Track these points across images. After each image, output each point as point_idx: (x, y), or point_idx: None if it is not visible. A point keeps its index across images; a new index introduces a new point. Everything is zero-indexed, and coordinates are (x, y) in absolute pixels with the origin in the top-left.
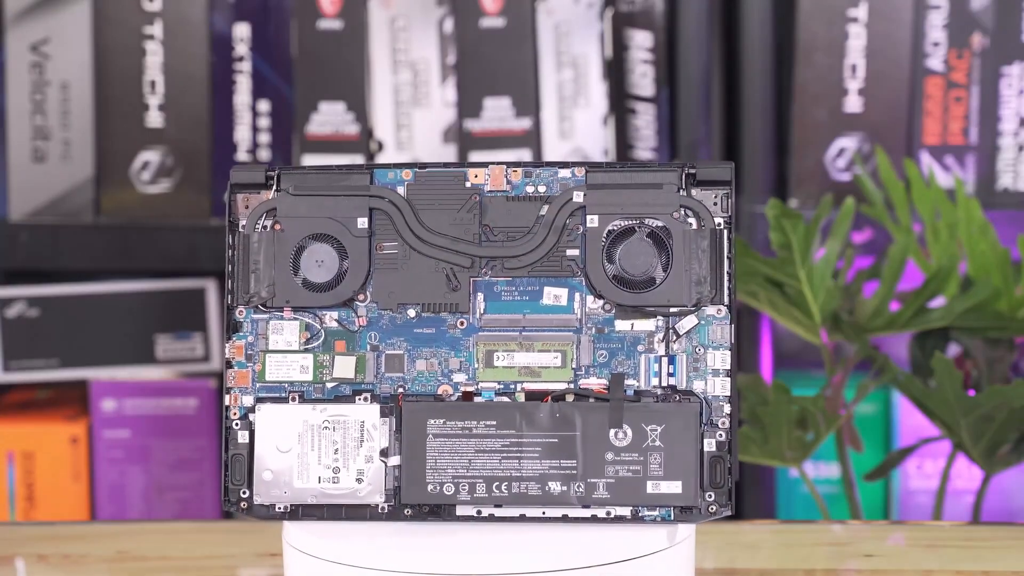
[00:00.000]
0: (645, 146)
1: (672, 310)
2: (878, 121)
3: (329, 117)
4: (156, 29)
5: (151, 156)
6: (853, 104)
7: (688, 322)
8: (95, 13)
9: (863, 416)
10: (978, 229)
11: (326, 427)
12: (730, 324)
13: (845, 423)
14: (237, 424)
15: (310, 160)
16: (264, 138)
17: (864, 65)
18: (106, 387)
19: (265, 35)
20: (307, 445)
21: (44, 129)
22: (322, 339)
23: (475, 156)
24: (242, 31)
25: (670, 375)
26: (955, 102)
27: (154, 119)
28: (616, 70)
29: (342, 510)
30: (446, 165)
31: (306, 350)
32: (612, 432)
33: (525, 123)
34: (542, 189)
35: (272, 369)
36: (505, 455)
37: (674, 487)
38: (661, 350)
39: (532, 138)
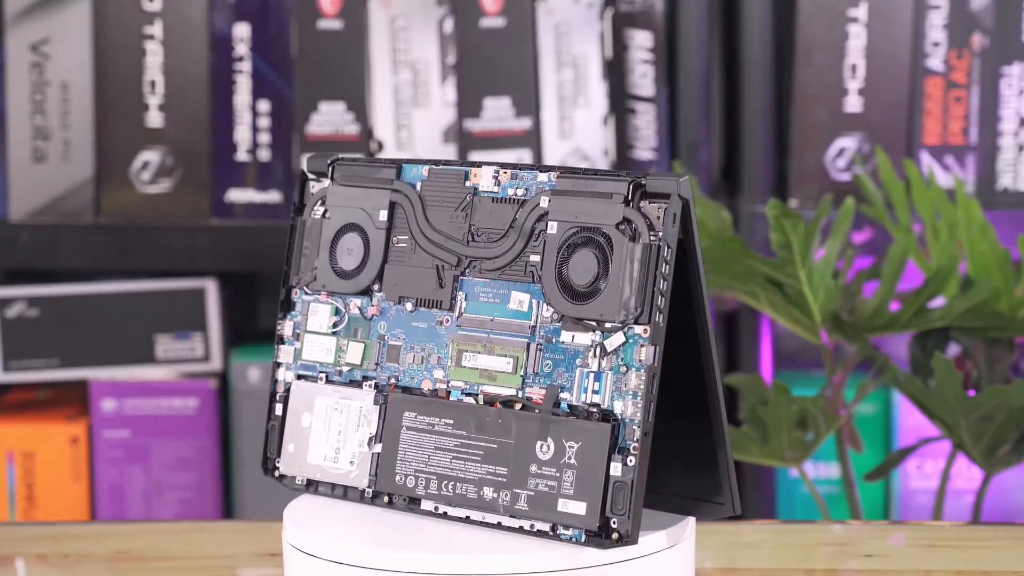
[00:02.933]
0: (645, 146)
1: (607, 325)
2: (878, 121)
3: (329, 117)
4: (156, 29)
5: (151, 156)
6: (853, 104)
7: (616, 339)
8: (95, 13)
9: (863, 416)
10: (978, 229)
11: (336, 409)
12: (653, 346)
13: (845, 423)
14: (279, 397)
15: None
16: (264, 138)
17: (864, 65)
18: (106, 387)
19: (265, 35)
20: (320, 424)
21: (44, 129)
22: (344, 324)
23: (475, 156)
24: (242, 31)
25: (595, 392)
26: (955, 102)
27: (154, 119)
28: (616, 70)
29: (343, 490)
30: (462, 163)
31: (333, 333)
32: (539, 444)
33: (525, 123)
34: (520, 192)
35: (308, 349)
36: (456, 455)
37: (579, 508)
38: (594, 365)
39: (532, 138)
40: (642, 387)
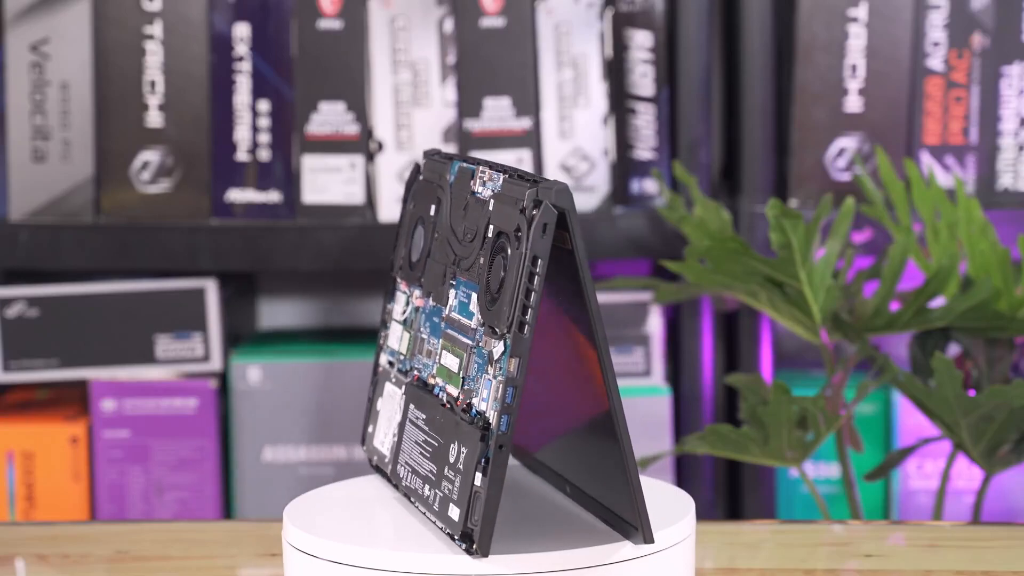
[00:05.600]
0: (645, 146)
1: (496, 332)
2: (878, 121)
3: (329, 117)
4: (156, 29)
5: (151, 156)
6: (853, 104)
7: (499, 348)
8: (95, 13)
9: (863, 416)
10: (978, 229)
11: (391, 396)
12: (516, 358)
13: (845, 423)
14: (374, 379)
15: (309, 160)
16: (264, 138)
17: (864, 65)
18: (106, 387)
19: (265, 35)
20: (383, 409)
21: (44, 129)
22: (409, 313)
23: (475, 156)
24: (242, 31)
25: (483, 400)
26: (955, 102)
27: (154, 119)
28: (616, 70)
29: (385, 474)
30: (475, 163)
31: (403, 322)
32: (451, 447)
33: (525, 123)
34: (488, 194)
35: (391, 336)
36: (421, 450)
37: (457, 514)
38: (491, 373)
39: (532, 138)
40: (497, 398)
